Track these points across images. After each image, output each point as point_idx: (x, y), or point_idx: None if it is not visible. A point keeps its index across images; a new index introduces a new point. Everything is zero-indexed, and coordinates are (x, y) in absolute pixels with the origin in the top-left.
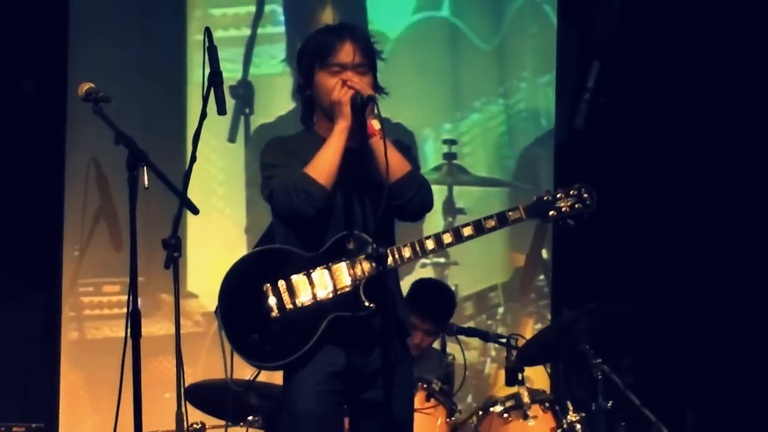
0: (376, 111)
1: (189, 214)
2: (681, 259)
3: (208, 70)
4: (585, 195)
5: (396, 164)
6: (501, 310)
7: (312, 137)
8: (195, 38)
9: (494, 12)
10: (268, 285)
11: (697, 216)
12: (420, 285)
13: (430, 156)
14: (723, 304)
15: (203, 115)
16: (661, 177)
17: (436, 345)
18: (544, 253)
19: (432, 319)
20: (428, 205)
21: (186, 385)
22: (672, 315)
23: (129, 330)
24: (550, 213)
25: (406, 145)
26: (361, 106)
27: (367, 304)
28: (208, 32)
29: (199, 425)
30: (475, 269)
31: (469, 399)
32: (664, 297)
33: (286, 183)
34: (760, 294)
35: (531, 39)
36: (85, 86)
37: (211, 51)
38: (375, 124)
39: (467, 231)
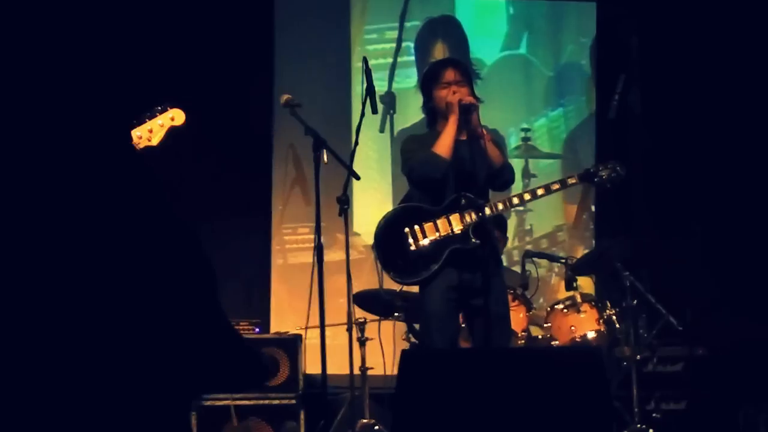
0: (476, 114)
1: (354, 180)
2: (679, 206)
3: (365, 85)
4: (618, 168)
5: (495, 156)
6: (560, 240)
7: (435, 134)
8: (356, 65)
9: (555, 51)
10: (408, 228)
11: (695, 179)
12: None
13: (512, 144)
14: (711, 236)
15: (362, 114)
16: (667, 152)
17: (517, 265)
18: (590, 204)
19: (498, 229)
20: (512, 182)
21: (353, 293)
22: (673, 242)
23: (315, 257)
24: (595, 179)
25: (501, 136)
26: (465, 108)
27: (474, 240)
28: (365, 60)
29: (362, 320)
30: (543, 215)
31: (541, 300)
32: (667, 231)
33: (421, 159)
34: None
35: (578, 68)
36: (285, 96)
37: (368, 72)
38: (485, 132)
39: (540, 191)
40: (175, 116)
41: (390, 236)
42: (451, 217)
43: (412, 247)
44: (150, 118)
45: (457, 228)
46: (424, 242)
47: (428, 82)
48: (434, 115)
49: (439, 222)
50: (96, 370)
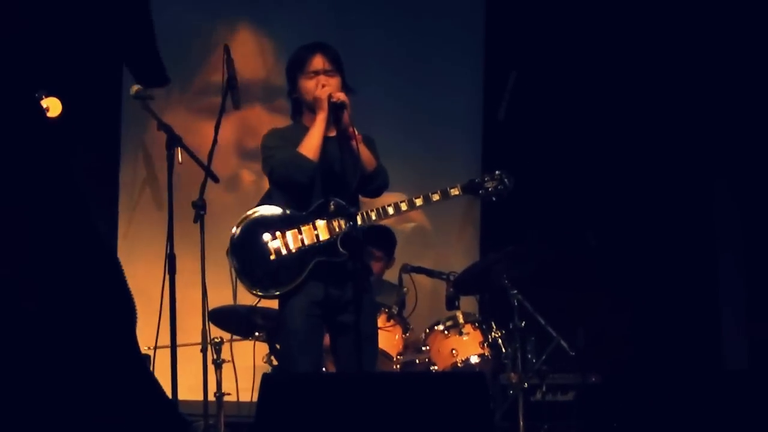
0: (348, 112)
1: (210, 182)
2: (570, 217)
3: (226, 76)
4: (505, 180)
5: (368, 160)
6: (442, 253)
7: (300, 128)
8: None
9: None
10: (269, 235)
11: (582, 187)
12: (371, 228)
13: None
14: (603, 245)
15: (222, 109)
16: (555, 160)
17: (395, 279)
18: (475, 215)
19: (382, 248)
20: (385, 188)
21: (209, 309)
22: (566, 255)
23: (167, 268)
24: (480, 191)
25: (372, 139)
26: (334, 105)
27: (342, 251)
28: (227, 49)
29: (219, 339)
30: (423, 226)
31: (419, 320)
32: (559, 243)
33: (284, 159)
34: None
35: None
36: (135, 87)
37: (229, 63)
38: (356, 133)
39: (418, 202)
40: (51, 106)
41: (247, 243)
42: (317, 224)
43: (273, 257)
44: None
45: (324, 237)
46: (287, 251)
47: (293, 70)
48: (300, 105)
49: (304, 229)
50: None
